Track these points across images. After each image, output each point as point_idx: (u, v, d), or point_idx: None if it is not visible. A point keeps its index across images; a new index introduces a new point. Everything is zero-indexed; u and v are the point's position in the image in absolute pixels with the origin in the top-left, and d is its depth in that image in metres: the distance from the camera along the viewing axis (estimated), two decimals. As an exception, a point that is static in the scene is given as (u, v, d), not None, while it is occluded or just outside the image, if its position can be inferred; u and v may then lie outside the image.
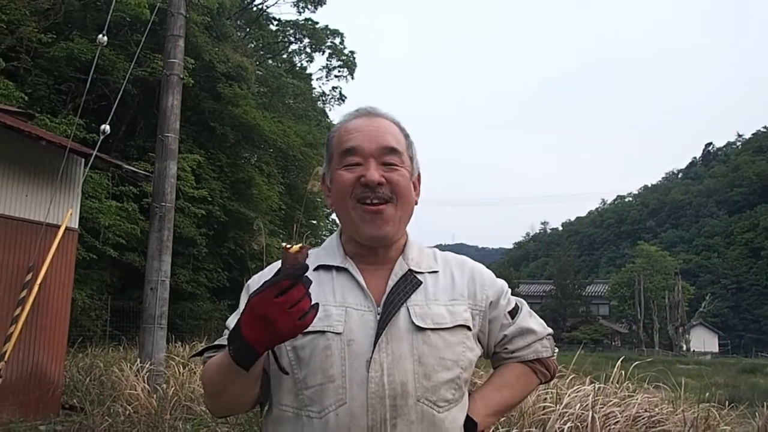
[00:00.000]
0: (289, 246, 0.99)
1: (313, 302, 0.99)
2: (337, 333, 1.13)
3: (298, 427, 1.13)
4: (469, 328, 1.21)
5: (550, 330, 1.34)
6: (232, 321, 1.22)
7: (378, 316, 1.15)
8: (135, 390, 6.00)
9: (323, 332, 1.13)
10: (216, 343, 1.24)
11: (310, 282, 1.00)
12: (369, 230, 1.19)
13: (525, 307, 1.33)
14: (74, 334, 9.88)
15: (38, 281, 6.25)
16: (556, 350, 1.35)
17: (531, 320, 1.32)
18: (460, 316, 1.21)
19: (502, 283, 1.33)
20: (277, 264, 1.26)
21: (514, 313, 1.30)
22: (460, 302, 1.23)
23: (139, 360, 7.01)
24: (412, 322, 1.15)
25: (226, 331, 1.22)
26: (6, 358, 5.78)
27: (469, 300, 1.24)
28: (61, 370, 6.96)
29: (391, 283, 1.20)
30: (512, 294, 1.34)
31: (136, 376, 6.38)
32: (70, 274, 7.14)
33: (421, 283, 1.21)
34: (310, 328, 1.08)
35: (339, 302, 1.17)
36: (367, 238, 1.20)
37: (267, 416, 1.21)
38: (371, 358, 1.11)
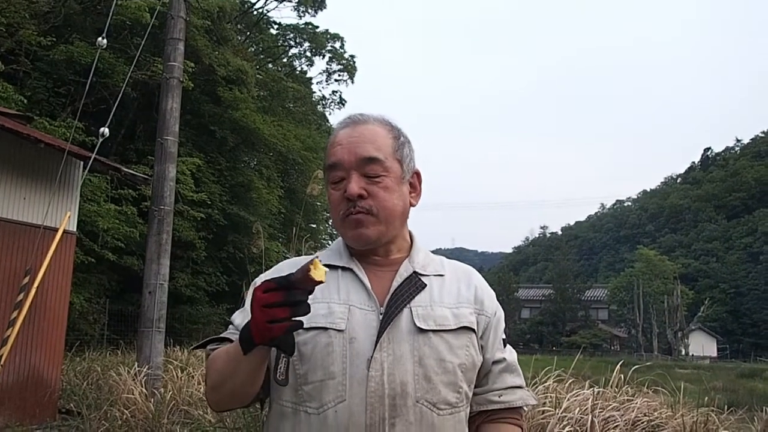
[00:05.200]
0: (311, 268, 0.95)
1: (297, 320, 0.97)
2: (339, 330, 1.13)
3: (296, 423, 1.14)
4: (474, 331, 1.21)
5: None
6: (237, 317, 1.24)
7: (381, 316, 1.15)
8: (132, 394, 5.98)
9: (326, 329, 1.14)
10: (220, 335, 1.25)
11: (307, 309, 0.97)
12: (351, 235, 1.21)
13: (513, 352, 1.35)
14: (72, 338, 9.86)
15: (35, 284, 6.24)
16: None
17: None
18: (465, 319, 1.21)
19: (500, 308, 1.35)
20: (280, 265, 1.28)
21: (505, 342, 1.31)
22: (465, 306, 1.23)
23: (136, 364, 7.00)
24: (414, 324, 1.15)
25: (231, 326, 1.24)
26: (2, 362, 5.76)
27: (476, 305, 1.25)
28: (58, 374, 6.94)
29: (395, 284, 1.20)
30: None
31: (134, 380, 6.36)
32: (67, 277, 7.12)
33: (426, 285, 1.22)
34: (312, 324, 1.10)
35: (343, 300, 1.17)
36: (352, 241, 1.23)
37: (268, 413, 1.22)
38: (372, 356, 1.11)
